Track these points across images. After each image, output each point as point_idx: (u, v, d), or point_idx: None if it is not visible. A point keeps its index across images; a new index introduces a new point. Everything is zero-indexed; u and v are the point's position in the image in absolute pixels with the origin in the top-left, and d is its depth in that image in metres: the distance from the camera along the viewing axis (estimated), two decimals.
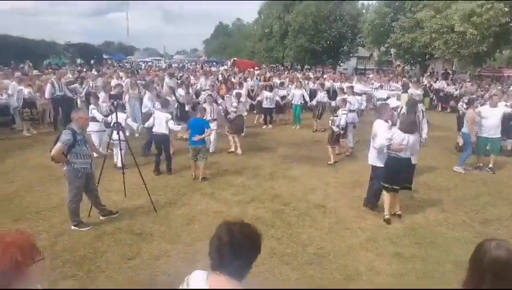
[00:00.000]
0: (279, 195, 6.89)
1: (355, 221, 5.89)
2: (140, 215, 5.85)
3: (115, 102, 9.14)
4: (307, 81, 17.44)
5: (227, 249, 1.74)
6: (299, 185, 7.45)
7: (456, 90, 18.59)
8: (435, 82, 20.85)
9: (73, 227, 5.28)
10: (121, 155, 6.53)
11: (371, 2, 35.44)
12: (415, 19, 25.46)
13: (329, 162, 8.96)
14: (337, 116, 8.91)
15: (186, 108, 10.75)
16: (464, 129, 8.79)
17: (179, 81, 13.54)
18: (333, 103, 12.09)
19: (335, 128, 8.90)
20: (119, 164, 7.06)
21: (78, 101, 12.61)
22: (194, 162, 7.64)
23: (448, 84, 19.87)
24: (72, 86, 12.85)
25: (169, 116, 7.94)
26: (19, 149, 9.43)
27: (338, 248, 5.06)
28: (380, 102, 11.67)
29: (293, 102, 13.56)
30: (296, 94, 13.51)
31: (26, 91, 11.22)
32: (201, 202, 6.46)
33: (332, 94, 15.40)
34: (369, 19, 31.73)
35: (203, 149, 7.60)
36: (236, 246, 1.75)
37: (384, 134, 5.83)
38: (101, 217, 5.62)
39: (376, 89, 16.85)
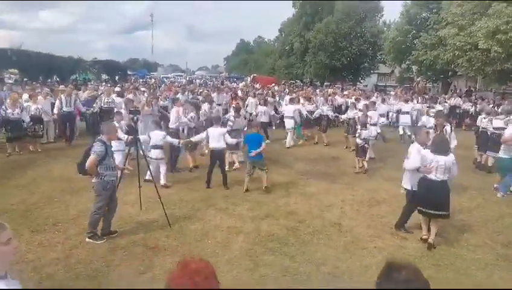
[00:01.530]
0: (295, 212, 6.81)
1: (371, 240, 5.75)
2: (154, 229, 5.88)
3: (135, 117, 9.40)
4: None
5: None
6: (315, 202, 7.35)
7: (472, 107, 18.14)
8: (449, 99, 20.39)
9: (88, 239, 5.34)
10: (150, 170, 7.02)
11: (392, 19, 35.15)
12: (438, 36, 25.19)
13: (355, 172, 9.56)
14: (358, 130, 9.65)
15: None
16: (502, 153, 8.03)
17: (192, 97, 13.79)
18: (343, 117, 13.07)
19: (359, 141, 9.55)
20: (148, 176, 7.40)
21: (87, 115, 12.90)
22: (248, 176, 7.87)
23: (464, 102, 19.40)
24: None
25: (225, 131, 8.24)
26: (40, 161, 9.69)
27: (353, 268, 4.93)
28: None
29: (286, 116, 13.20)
30: (289, 109, 13.16)
31: (33, 107, 11.16)
32: (215, 217, 6.45)
33: (344, 110, 15.43)
34: (391, 36, 31.54)
35: (261, 162, 7.88)
36: None
37: (415, 156, 5.69)
38: (98, 235, 5.48)
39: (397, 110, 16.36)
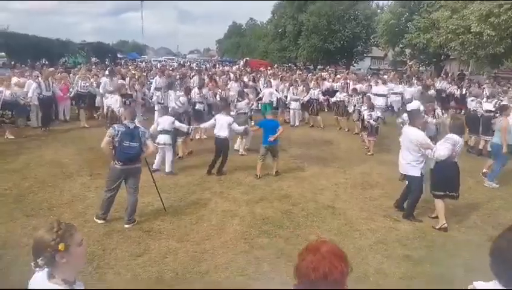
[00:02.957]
0: (288, 195, 6.87)
1: (364, 223, 5.84)
2: (149, 213, 5.91)
3: (127, 101, 9.33)
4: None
5: None
6: (308, 186, 7.41)
7: (457, 90, 18.13)
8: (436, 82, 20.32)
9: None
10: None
11: (385, 2, 35.00)
12: (431, 19, 25.09)
13: (368, 153, 9.95)
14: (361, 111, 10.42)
15: (197, 107, 10.76)
16: (495, 139, 7.94)
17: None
18: (333, 99, 13.55)
19: (373, 122, 9.98)
20: (156, 166, 7.65)
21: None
22: (261, 161, 7.86)
23: (450, 85, 19.31)
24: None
25: (232, 120, 8.06)
26: (33, 146, 9.58)
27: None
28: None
29: (263, 100, 13.43)
30: (265, 93, 13.47)
31: (7, 93, 10.28)
32: (210, 201, 6.48)
33: (332, 93, 15.57)
34: (384, 19, 31.33)
35: (276, 148, 7.96)
36: None
37: (445, 143, 5.55)
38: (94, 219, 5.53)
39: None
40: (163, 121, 7.80)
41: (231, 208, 6.22)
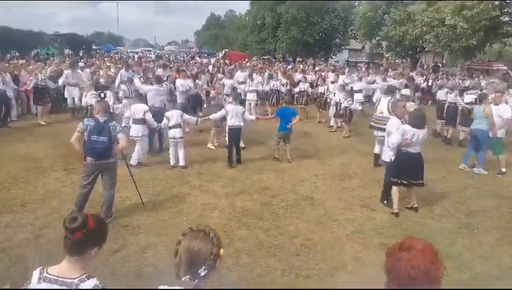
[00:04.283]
0: (268, 187, 6.90)
1: (342, 213, 5.93)
2: (127, 207, 5.82)
3: (103, 93, 9.09)
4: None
5: None
6: (287, 177, 7.46)
7: (424, 82, 18.59)
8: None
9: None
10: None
11: None
12: (407, 11, 25.51)
13: (344, 136, 10.93)
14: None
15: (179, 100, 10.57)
16: (480, 126, 7.98)
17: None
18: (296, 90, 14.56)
19: (353, 107, 10.99)
20: (172, 162, 7.80)
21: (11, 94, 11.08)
22: (277, 147, 8.43)
23: (416, 76, 19.70)
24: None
25: (244, 109, 8.46)
26: (3, 142, 9.24)
27: (325, 240, 5.09)
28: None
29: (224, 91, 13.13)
30: (226, 84, 12.93)
31: None
32: (189, 195, 6.44)
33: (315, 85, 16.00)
34: (361, 12, 31.68)
35: (290, 135, 8.45)
36: None
37: (397, 132, 5.87)
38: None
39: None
40: (173, 115, 7.73)
41: (211, 201, 6.20)
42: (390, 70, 21.06)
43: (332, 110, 12.15)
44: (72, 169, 7.22)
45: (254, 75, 14.43)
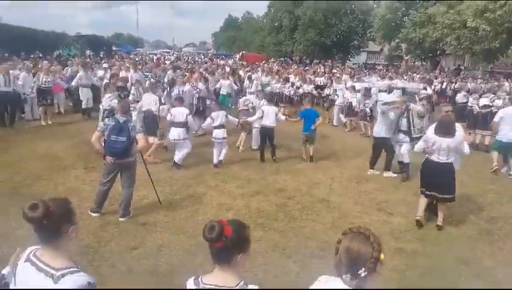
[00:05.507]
0: (284, 189, 6.90)
1: (358, 216, 5.88)
2: (144, 206, 5.91)
3: (123, 94, 9.23)
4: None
5: None
6: (303, 179, 7.44)
7: (439, 84, 18.13)
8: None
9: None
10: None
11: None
12: (427, 14, 25.13)
13: (367, 136, 11.05)
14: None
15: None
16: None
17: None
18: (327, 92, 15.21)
19: (367, 110, 11.43)
20: (216, 161, 7.96)
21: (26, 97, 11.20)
22: (304, 147, 8.67)
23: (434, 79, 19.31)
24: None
25: (277, 109, 8.79)
26: (26, 140, 9.49)
27: None
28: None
29: (221, 92, 13.15)
30: (223, 84, 13.10)
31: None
32: (205, 195, 6.49)
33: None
34: (380, 14, 31.35)
35: (314, 136, 8.71)
36: None
37: (422, 138, 5.73)
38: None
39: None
40: (217, 116, 7.92)
41: (226, 201, 6.24)
42: (409, 72, 20.73)
43: (336, 110, 12.83)
44: (92, 167, 7.38)
45: (263, 77, 14.84)
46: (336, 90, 14.10)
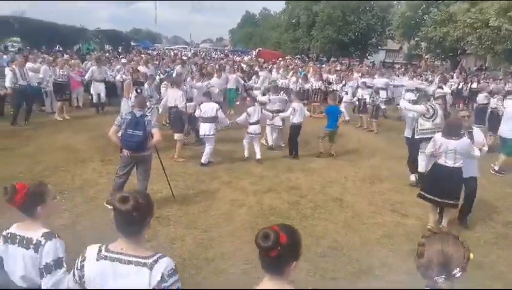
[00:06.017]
0: (297, 187, 6.89)
1: (372, 216, 5.84)
2: (158, 199, 5.97)
3: (139, 89, 9.35)
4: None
5: None
6: (317, 178, 7.42)
7: (455, 84, 17.65)
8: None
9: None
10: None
11: None
12: (448, 12, 24.62)
13: (357, 126, 12.08)
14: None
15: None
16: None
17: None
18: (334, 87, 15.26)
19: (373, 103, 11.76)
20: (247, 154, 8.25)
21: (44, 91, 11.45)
22: (323, 143, 8.88)
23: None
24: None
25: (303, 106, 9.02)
26: (46, 132, 9.71)
27: (352, 242, 5.03)
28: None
29: (227, 86, 13.34)
30: (230, 79, 13.32)
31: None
32: (219, 190, 6.54)
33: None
34: (400, 11, 30.86)
35: (336, 132, 8.98)
36: None
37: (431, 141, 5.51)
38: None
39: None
40: (254, 111, 8.12)
41: (239, 197, 6.27)
42: (428, 72, 20.38)
43: (343, 107, 12.70)
44: (109, 160, 7.51)
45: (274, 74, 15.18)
46: (343, 86, 14.60)
